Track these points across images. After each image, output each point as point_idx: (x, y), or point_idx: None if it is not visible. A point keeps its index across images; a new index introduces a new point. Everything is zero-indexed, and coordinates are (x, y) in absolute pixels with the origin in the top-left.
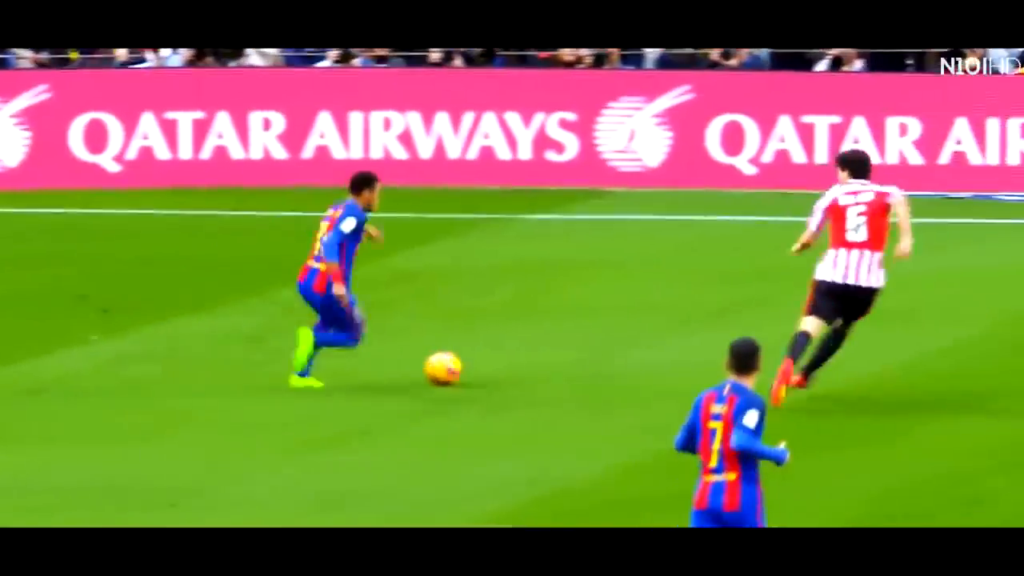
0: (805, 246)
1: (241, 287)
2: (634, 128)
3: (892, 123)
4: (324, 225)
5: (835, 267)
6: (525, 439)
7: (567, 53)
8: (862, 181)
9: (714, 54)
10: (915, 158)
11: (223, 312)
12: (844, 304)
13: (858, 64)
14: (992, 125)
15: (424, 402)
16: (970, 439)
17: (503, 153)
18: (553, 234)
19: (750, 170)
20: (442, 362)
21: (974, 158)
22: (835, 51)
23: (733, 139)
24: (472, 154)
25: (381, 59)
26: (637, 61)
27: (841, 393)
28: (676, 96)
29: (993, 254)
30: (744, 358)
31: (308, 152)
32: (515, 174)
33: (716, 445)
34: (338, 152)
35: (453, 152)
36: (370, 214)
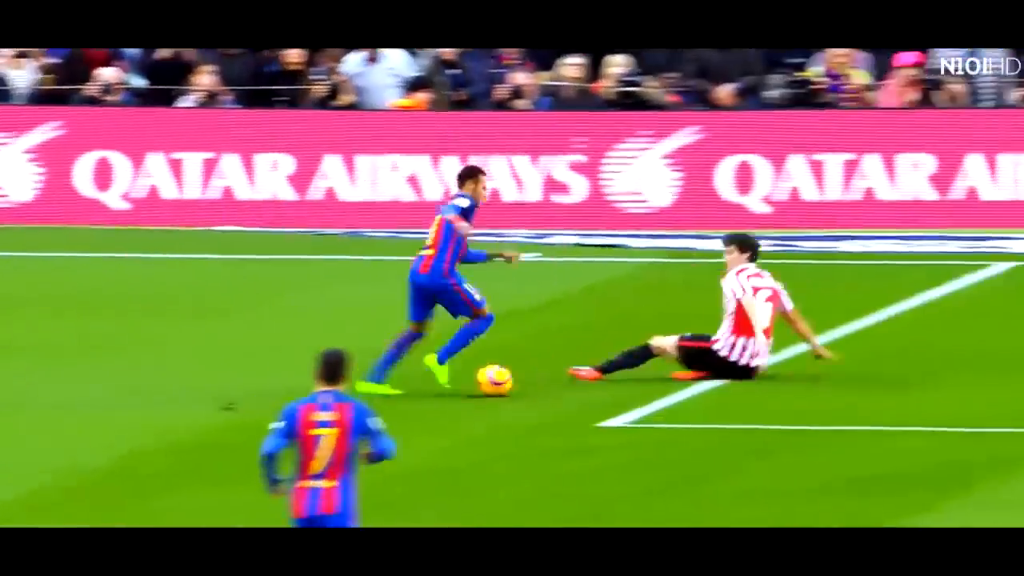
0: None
1: None
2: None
3: (263, 159)
4: (437, 219)
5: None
6: None
7: None
8: (755, 266)
9: (92, 89)
10: (287, 193)
11: None
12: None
13: (226, 99)
14: (362, 162)
15: None
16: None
17: None
18: None
19: (121, 205)
20: (485, 375)
21: (344, 194)
22: (206, 86)
23: (102, 174)
24: None
25: None
26: (4, 97)
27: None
28: (47, 132)
29: (364, 289)
30: (335, 367)
31: None
32: None
33: (326, 452)
34: None
35: None
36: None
